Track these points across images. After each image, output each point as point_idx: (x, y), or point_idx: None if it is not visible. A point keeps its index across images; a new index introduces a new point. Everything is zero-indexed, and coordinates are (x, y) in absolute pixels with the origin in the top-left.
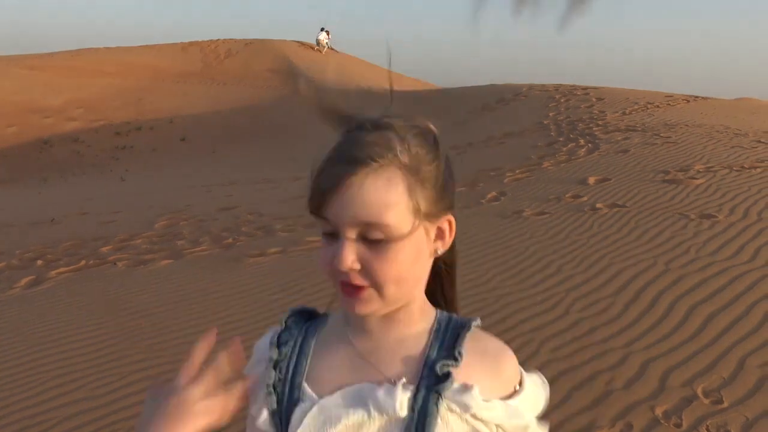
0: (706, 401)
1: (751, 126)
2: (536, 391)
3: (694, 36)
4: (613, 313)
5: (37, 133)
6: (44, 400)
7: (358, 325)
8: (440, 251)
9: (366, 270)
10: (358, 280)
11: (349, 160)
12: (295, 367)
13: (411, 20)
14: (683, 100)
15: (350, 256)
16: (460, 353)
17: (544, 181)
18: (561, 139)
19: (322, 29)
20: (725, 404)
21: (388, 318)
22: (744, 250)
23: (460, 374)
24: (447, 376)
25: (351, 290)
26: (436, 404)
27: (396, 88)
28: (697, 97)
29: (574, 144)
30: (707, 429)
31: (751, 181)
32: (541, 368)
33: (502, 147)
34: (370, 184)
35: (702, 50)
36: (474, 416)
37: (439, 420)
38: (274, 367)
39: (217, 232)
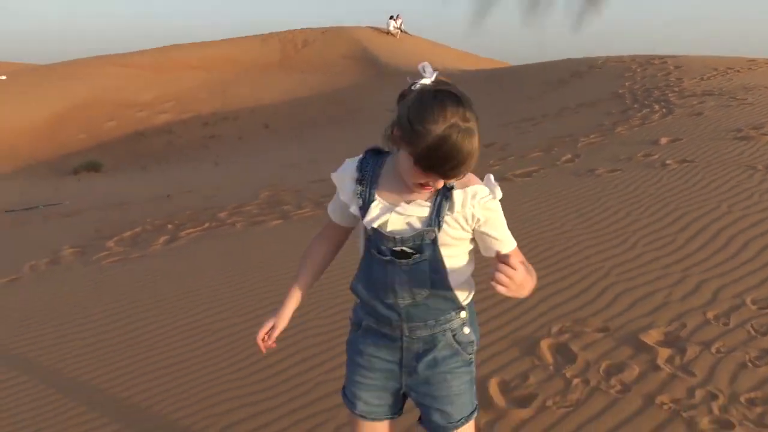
0: (753, 307)
1: None
2: (476, 191)
3: None
4: (675, 246)
5: (133, 126)
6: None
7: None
8: None
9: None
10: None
11: (458, 161)
12: (371, 184)
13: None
14: (766, 63)
15: (441, 183)
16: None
17: (617, 144)
18: (636, 106)
19: (391, 17)
20: None
21: None
22: None
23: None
24: (452, 188)
25: (430, 189)
26: (446, 201)
27: (471, 68)
28: None
29: (648, 110)
30: (752, 327)
31: None
32: (607, 288)
33: (576, 116)
34: (473, 159)
35: None
36: (459, 209)
37: (446, 211)
38: (359, 183)
39: (315, 198)
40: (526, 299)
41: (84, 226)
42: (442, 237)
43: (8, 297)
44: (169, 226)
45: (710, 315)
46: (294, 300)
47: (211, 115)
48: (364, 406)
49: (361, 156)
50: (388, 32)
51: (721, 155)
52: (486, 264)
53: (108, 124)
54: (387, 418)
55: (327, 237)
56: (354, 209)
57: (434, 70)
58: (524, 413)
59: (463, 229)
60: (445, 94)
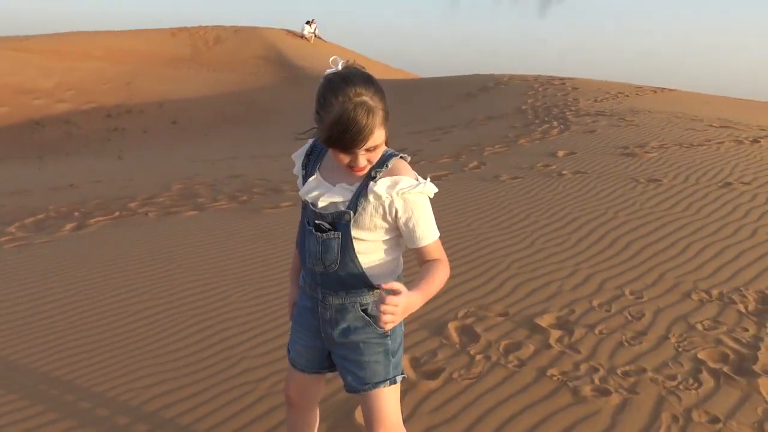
0: (631, 297)
1: (706, 114)
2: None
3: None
4: (568, 244)
5: (28, 114)
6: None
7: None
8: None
9: (369, 160)
10: (367, 166)
11: (358, 131)
12: (316, 160)
13: (394, 13)
14: (651, 91)
15: (364, 159)
16: (387, 165)
17: (519, 154)
18: (536, 121)
19: (307, 22)
20: (644, 298)
21: None
22: (679, 203)
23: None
24: (375, 177)
25: (359, 170)
26: (366, 188)
27: (382, 77)
28: (664, 88)
29: (548, 125)
30: (629, 313)
31: (697, 155)
32: (508, 278)
33: (483, 127)
34: (371, 131)
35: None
36: (377, 197)
37: (365, 198)
38: (307, 157)
39: (231, 192)
40: None
41: None
42: (358, 220)
43: None
44: (76, 213)
45: (595, 303)
46: (294, 281)
47: (115, 107)
48: (296, 355)
49: (310, 142)
50: (302, 36)
51: (610, 168)
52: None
53: (0, 110)
54: (315, 372)
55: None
56: (299, 182)
57: (346, 62)
58: (432, 384)
59: (380, 217)
60: (342, 76)
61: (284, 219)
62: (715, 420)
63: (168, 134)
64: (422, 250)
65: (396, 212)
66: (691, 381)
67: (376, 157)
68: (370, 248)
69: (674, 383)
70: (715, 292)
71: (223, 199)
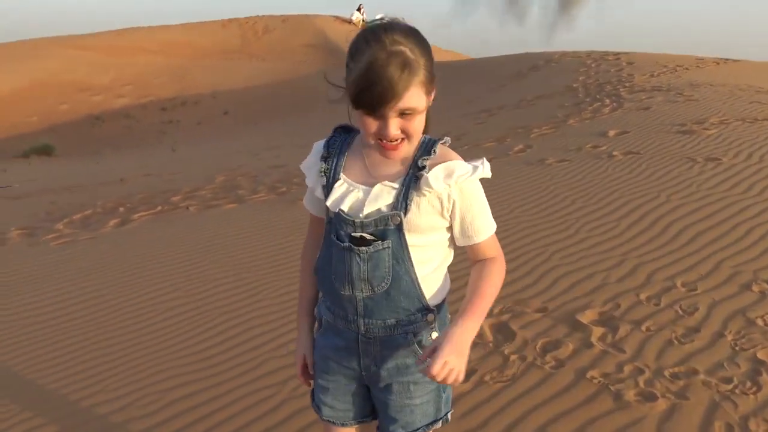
0: (683, 289)
1: None
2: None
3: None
4: (615, 232)
5: (88, 110)
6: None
7: (372, 148)
8: (430, 104)
9: (403, 130)
10: (400, 137)
11: (388, 81)
12: (337, 162)
13: None
14: (713, 62)
15: (395, 126)
16: (434, 152)
17: (567, 136)
18: (587, 99)
19: (358, 9)
20: (698, 291)
21: None
22: (740, 184)
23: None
24: (424, 167)
25: (392, 146)
26: (416, 181)
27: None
28: (727, 59)
29: (599, 103)
30: (680, 307)
31: (760, 131)
32: (548, 270)
33: (531, 108)
34: (405, 87)
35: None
36: (431, 190)
37: (416, 193)
38: (324, 161)
39: (271, 184)
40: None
41: (33, 209)
42: (410, 222)
43: None
44: (122, 209)
45: (643, 296)
46: (305, 319)
47: (170, 100)
48: (330, 411)
49: (329, 135)
50: (351, 22)
51: (665, 147)
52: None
53: (61, 107)
54: (357, 423)
55: (313, 235)
56: (318, 192)
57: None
58: (462, 387)
59: (437, 214)
60: (380, 24)
61: None
62: None
63: (220, 125)
64: (477, 247)
65: (453, 205)
66: (748, 384)
67: (413, 129)
68: (425, 256)
69: (729, 387)
70: None
71: (262, 191)
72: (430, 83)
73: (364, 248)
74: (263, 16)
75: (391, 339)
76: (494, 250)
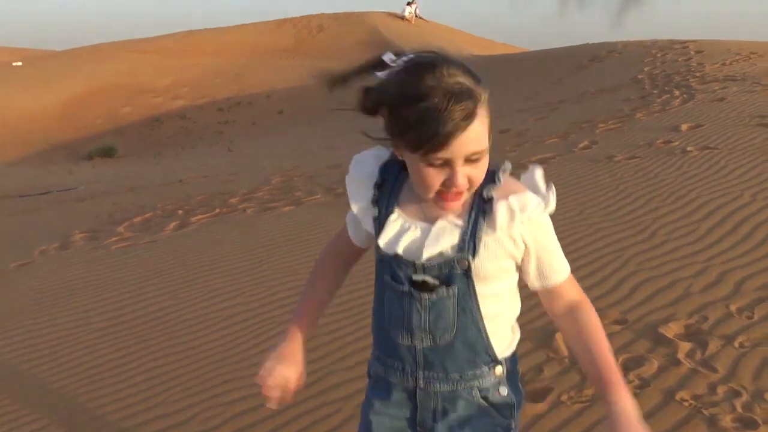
0: None
1: None
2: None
3: None
4: (696, 235)
5: (148, 112)
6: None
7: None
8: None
9: (470, 178)
10: (466, 186)
11: (457, 122)
12: (391, 193)
13: None
14: None
15: (463, 174)
16: (499, 179)
17: (636, 130)
18: (655, 91)
19: (408, 3)
20: None
21: None
22: None
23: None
24: (491, 199)
25: (454, 196)
26: (484, 218)
27: (487, 53)
28: None
29: (668, 95)
30: None
31: None
32: (625, 278)
33: (594, 101)
34: (474, 130)
35: None
36: (503, 232)
37: (485, 231)
38: (378, 188)
39: (328, 185)
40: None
41: (96, 211)
42: (479, 266)
43: (20, 281)
44: (180, 211)
45: (733, 307)
46: (304, 328)
47: (226, 100)
48: None
49: (384, 154)
50: (403, 17)
51: (745, 142)
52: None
53: (124, 110)
54: None
55: (339, 248)
56: (367, 224)
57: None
58: (539, 408)
59: (507, 255)
60: (425, 58)
61: None
62: None
63: (275, 124)
64: (556, 289)
65: (526, 243)
66: None
67: (478, 175)
68: (494, 303)
69: None
70: None
71: (319, 192)
72: (491, 121)
73: (426, 294)
74: (317, 14)
75: (453, 395)
76: (577, 291)
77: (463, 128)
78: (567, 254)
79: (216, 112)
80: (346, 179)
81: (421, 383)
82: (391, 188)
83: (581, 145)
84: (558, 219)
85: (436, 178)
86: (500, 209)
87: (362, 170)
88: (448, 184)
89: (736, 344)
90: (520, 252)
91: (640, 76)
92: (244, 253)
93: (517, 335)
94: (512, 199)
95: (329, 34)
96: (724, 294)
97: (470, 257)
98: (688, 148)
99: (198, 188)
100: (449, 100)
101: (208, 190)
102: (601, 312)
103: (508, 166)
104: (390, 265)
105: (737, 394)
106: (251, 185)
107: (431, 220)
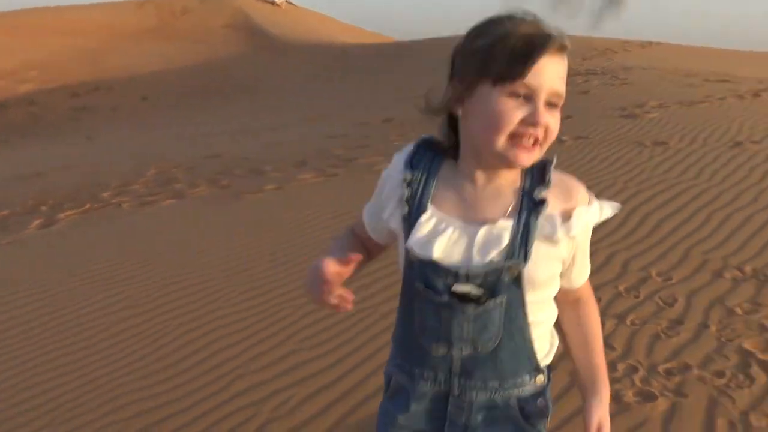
0: (659, 279)
1: (699, 68)
2: (593, 211)
3: None
4: None
5: None
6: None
7: (468, 175)
8: None
9: (545, 127)
10: (542, 136)
11: (553, 39)
12: (424, 189)
13: None
14: (639, 45)
15: (545, 117)
16: (549, 180)
17: None
18: None
19: None
20: (674, 280)
21: (494, 173)
22: (690, 169)
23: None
24: (543, 201)
25: (530, 145)
26: (536, 221)
27: (357, 41)
28: (651, 42)
29: None
30: (660, 299)
31: (699, 113)
32: None
33: None
34: (564, 67)
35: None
36: (562, 236)
37: (537, 237)
38: (408, 185)
39: (210, 176)
40: None
41: None
42: (530, 274)
43: None
44: (44, 207)
45: (622, 288)
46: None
47: (82, 84)
48: None
49: (411, 148)
50: (273, 2)
51: (612, 132)
52: None
53: None
54: None
55: (358, 237)
56: (395, 223)
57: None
58: None
59: (557, 260)
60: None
61: (268, 206)
62: None
63: (139, 111)
64: (576, 289)
65: (574, 251)
66: (741, 377)
67: (553, 128)
68: (540, 311)
69: (724, 381)
70: (748, 269)
71: (202, 184)
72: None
73: (471, 306)
74: None
75: (491, 404)
76: (589, 287)
77: (559, 56)
78: None
79: (70, 97)
80: (382, 174)
81: (455, 391)
82: (424, 183)
83: None
84: None
85: (515, 112)
86: (555, 213)
87: (392, 169)
88: (529, 120)
89: (628, 322)
90: (568, 257)
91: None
92: (121, 252)
93: (556, 342)
94: (572, 202)
95: (194, 16)
96: (612, 276)
97: (522, 264)
98: (563, 138)
99: (60, 181)
100: (541, 28)
101: (74, 183)
102: None
103: (554, 160)
104: (423, 271)
105: (635, 369)
106: (123, 177)
107: (471, 219)
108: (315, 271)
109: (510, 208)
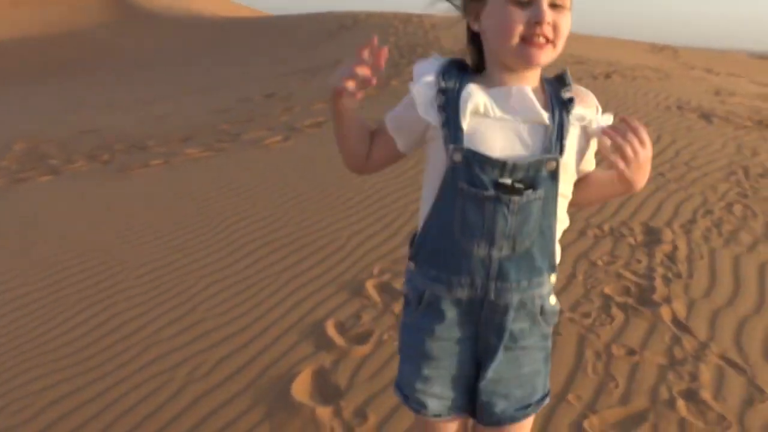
0: None
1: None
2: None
3: None
4: None
5: None
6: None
7: (497, 81)
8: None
9: (554, 26)
10: (551, 34)
11: None
12: (460, 93)
13: None
14: None
15: (549, 15)
16: (570, 83)
17: (393, 96)
18: (403, 61)
19: None
20: None
21: (528, 76)
22: None
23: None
24: (571, 100)
25: (540, 43)
26: (568, 117)
27: (229, 14)
28: None
29: None
30: None
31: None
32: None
33: None
34: None
35: None
36: (582, 122)
37: (570, 132)
38: (443, 93)
39: (88, 151)
40: (344, 243)
41: None
42: (564, 167)
43: None
44: None
45: None
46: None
47: None
48: (438, 403)
49: (440, 62)
50: None
51: None
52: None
53: None
54: (461, 415)
55: (366, 144)
56: (432, 116)
57: None
58: (365, 349)
59: (581, 154)
60: None
61: (159, 180)
62: (631, 352)
63: None
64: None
65: (591, 144)
66: (604, 317)
67: (562, 28)
68: (562, 209)
69: (590, 321)
70: (606, 227)
71: (79, 159)
72: None
73: (516, 197)
74: None
75: (521, 303)
76: None
77: None
78: (362, 210)
79: None
80: (409, 87)
81: (492, 295)
82: (458, 90)
83: None
84: (352, 178)
85: (520, 16)
86: (584, 110)
87: (425, 77)
88: (534, 19)
89: None
90: (590, 152)
91: (387, 47)
92: (7, 231)
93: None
94: (589, 100)
95: None
96: None
97: (558, 157)
98: None
99: None
100: None
101: None
102: (400, 261)
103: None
104: (468, 169)
105: None
106: None
107: (510, 116)
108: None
109: (544, 105)
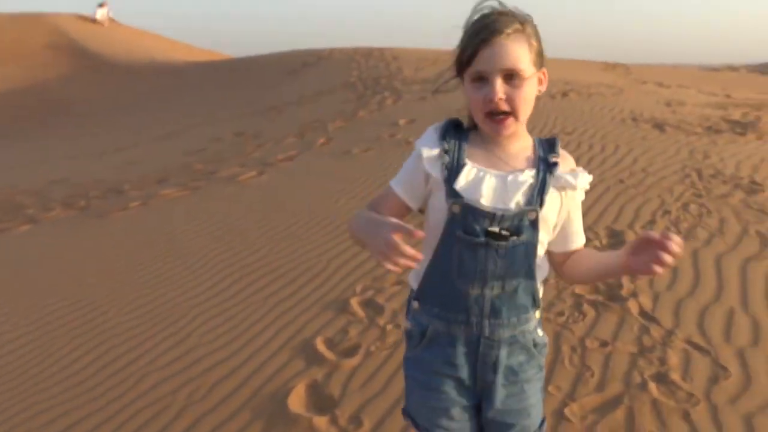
0: None
1: None
2: (587, 177)
3: None
4: None
5: None
6: None
7: (491, 140)
8: (541, 91)
9: (509, 99)
10: (505, 107)
11: (495, 29)
12: (459, 153)
13: None
14: None
15: (501, 90)
16: (558, 151)
17: (362, 127)
18: (368, 93)
19: (100, 5)
20: None
21: (513, 135)
22: None
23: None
24: (555, 164)
25: (499, 119)
26: (551, 177)
27: (187, 58)
28: None
29: (380, 96)
30: None
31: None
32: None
33: (316, 104)
34: (513, 47)
35: None
36: (564, 188)
37: (560, 188)
38: (446, 152)
39: (62, 199)
40: (325, 266)
41: None
42: (543, 218)
43: None
44: None
45: None
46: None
47: None
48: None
49: (440, 126)
50: (95, 20)
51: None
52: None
53: None
54: None
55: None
56: (436, 172)
57: None
58: (354, 361)
59: (557, 213)
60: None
61: (139, 220)
62: (604, 344)
63: None
64: (576, 249)
65: (569, 208)
66: (576, 314)
67: (519, 99)
68: (541, 251)
69: (564, 319)
70: None
71: (56, 207)
72: (538, 57)
73: (503, 243)
74: None
75: (513, 339)
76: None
77: (502, 39)
78: (335, 233)
79: None
80: (416, 144)
81: (486, 332)
82: (458, 147)
83: (319, 142)
84: (323, 204)
85: (478, 94)
86: (567, 172)
87: (427, 139)
88: (488, 98)
89: None
90: (564, 213)
91: (351, 80)
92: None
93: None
94: (572, 166)
95: (8, 37)
96: None
97: (538, 209)
98: (410, 140)
99: None
100: (495, 14)
101: None
102: (381, 278)
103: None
104: (464, 219)
105: None
106: None
107: (501, 170)
108: (378, 222)
109: (531, 163)
